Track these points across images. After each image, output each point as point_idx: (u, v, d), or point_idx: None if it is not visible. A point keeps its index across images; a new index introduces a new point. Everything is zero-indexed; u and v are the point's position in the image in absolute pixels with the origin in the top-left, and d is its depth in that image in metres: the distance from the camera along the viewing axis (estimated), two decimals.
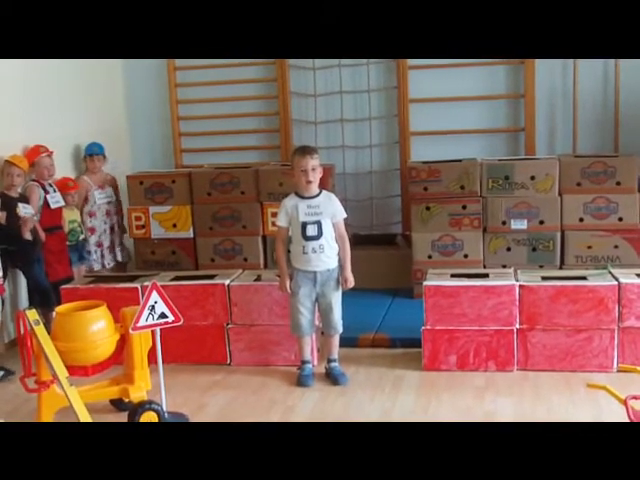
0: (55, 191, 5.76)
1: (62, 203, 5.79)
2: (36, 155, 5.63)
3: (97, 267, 6.23)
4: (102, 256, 6.27)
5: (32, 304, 5.37)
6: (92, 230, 6.24)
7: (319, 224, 4.48)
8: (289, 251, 4.64)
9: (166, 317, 4.01)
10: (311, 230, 4.47)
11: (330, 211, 4.53)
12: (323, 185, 4.64)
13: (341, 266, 4.57)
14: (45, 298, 5.33)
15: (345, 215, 4.63)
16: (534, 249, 5.87)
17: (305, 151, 4.54)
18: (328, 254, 4.52)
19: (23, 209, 5.35)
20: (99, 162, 6.32)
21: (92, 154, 6.29)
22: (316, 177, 4.50)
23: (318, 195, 4.55)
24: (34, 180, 5.63)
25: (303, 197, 4.54)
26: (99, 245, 6.28)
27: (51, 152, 5.70)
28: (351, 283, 4.58)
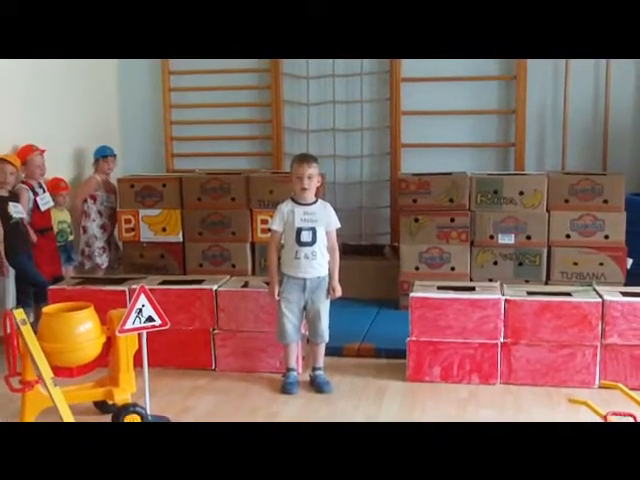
0: (45, 192, 5.77)
1: (51, 204, 5.80)
2: (28, 153, 5.62)
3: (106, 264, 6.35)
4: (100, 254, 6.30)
5: (20, 301, 5.39)
6: (104, 227, 6.33)
7: (314, 231, 4.52)
8: (279, 258, 4.66)
9: (153, 321, 4.02)
10: (305, 236, 4.51)
11: (325, 220, 4.57)
12: (315, 193, 4.67)
13: (330, 275, 4.61)
14: (40, 293, 5.35)
15: (339, 225, 4.67)
16: (520, 264, 5.92)
17: (303, 159, 4.58)
18: (319, 262, 4.55)
19: (14, 208, 5.36)
20: (113, 163, 6.42)
21: (106, 155, 6.35)
22: (312, 185, 4.54)
23: (314, 203, 4.59)
24: (23, 182, 5.63)
25: (300, 203, 4.57)
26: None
27: (43, 150, 5.71)
28: (339, 292, 4.61)
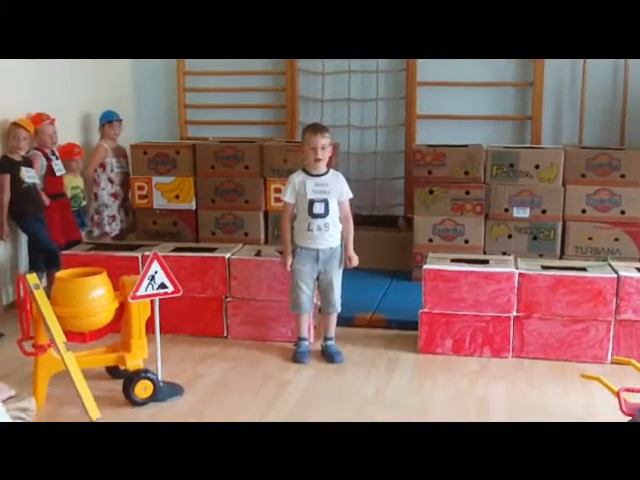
0: (57, 159, 5.76)
1: (63, 171, 5.80)
2: (39, 122, 5.59)
3: (116, 232, 6.33)
4: (109, 223, 6.29)
5: (32, 266, 5.41)
6: (115, 195, 6.29)
7: (326, 202, 4.49)
8: (292, 228, 4.65)
9: (166, 287, 4.02)
10: (318, 208, 4.48)
11: (338, 190, 4.54)
12: (327, 163, 4.63)
13: (344, 245, 4.59)
14: (51, 258, 5.37)
15: (351, 195, 4.63)
16: (535, 238, 5.88)
17: (316, 129, 4.53)
18: (332, 233, 4.53)
19: (26, 173, 5.35)
20: (119, 128, 6.35)
21: (112, 120, 6.30)
22: (325, 155, 4.50)
23: (326, 173, 4.55)
24: (36, 149, 5.61)
25: (311, 174, 4.53)
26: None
27: (53, 119, 5.68)
28: (355, 261, 4.60)
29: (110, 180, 6.25)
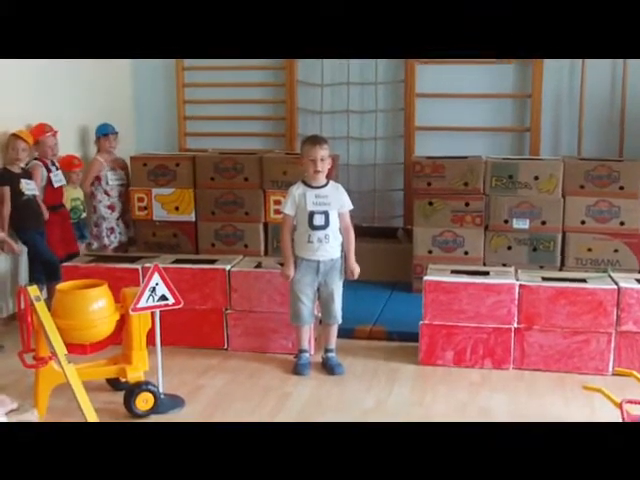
0: (57, 169, 5.76)
1: (64, 182, 5.80)
2: (41, 134, 5.59)
3: (115, 244, 6.31)
4: (108, 235, 6.28)
5: (32, 278, 5.39)
6: (112, 208, 6.28)
7: (326, 214, 4.49)
8: (292, 239, 4.64)
9: (166, 299, 4.02)
10: (318, 220, 4.48)
11: (338, 202, 4.54)
12: (327, 175, 4.64)
13: (345, 257, 4.58)
14: (51, 270, 5.36)
15: (352, 206, 4.64)
16: (535, 249, 5.88)
17: (315, 141, 4.53)
18: (332, 244, 4.53)
19: (26, 185, 5.35)
20: (114, 141, 6.34)
21: (107, 133, 6.30)
22: (324, 167, 4.50)
23: (326, 185, 4.55)
24: (37, 159, 5.61)
25: (311, 186, 4.54)
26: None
27: (55, 132, 5.69)
28: (357, 272, 4.60)
29: (106, 193, 6.25)
